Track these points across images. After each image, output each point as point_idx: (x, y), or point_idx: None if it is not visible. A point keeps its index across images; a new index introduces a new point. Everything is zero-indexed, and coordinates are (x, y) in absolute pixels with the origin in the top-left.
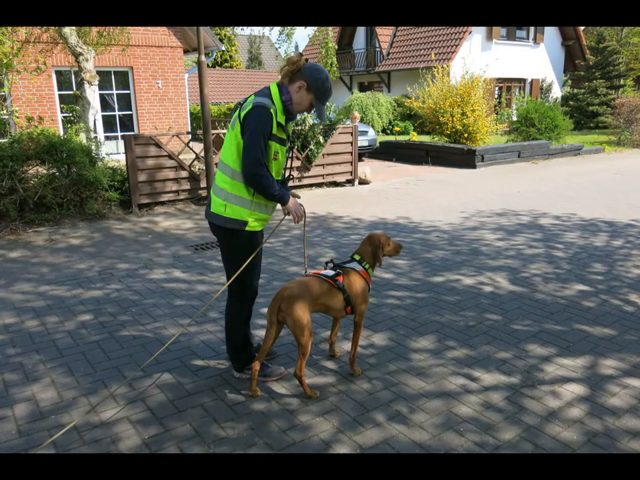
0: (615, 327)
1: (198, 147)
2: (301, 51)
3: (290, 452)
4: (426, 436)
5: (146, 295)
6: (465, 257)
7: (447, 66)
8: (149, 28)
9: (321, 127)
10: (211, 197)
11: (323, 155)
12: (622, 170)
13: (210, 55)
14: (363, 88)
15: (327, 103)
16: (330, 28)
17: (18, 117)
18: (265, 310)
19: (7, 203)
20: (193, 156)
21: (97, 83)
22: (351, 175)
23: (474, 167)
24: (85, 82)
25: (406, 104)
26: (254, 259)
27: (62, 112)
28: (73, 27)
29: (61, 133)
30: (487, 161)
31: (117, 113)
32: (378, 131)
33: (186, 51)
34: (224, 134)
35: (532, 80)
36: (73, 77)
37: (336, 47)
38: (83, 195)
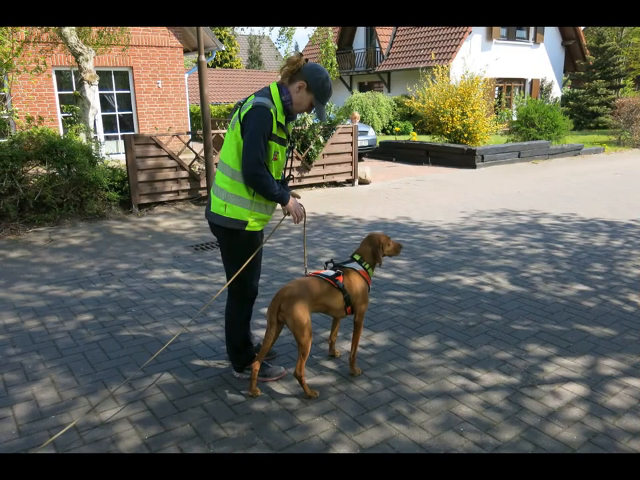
0: (615, 326)
1: (198, 147)
2: (301, 50)
3: (290, 452)
4: (426, 436)
5: (146, 295)
6: (465, 256)
7: (447, 66)
8: (148, 28)
9: (321, 126)
10: (211, 196)
11: (323, 155)
12: (622, 170)
13: (210, 54)
14: (363, 88)
15: (327, 103)
16: (330, 28)
17: (18, 117)
18: (265, 310)
19: (6, 202)
20: (193, 156)
21: (96, 83)
22: (351, 175)
23: (474, 167)
24: (85, 82)
25: (406, 104)
26: (254, 259)
27: (62, 112)
28: (73, 27)
29: (61, 132)
30: (487, 160)
31: (117, 112)
32: (378, 131)
33: (186, 51)
34: (224, 134)
35: (532, 80)
36: (73, 76)
37: (336, 46)
38: (83, 195)
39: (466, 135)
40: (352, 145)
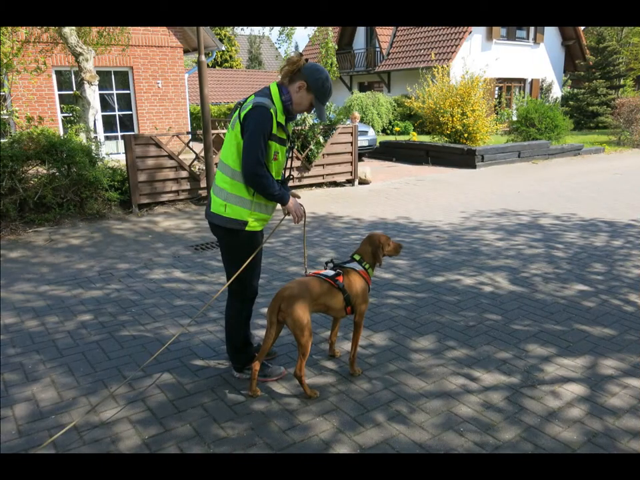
0: (615, 327)
1: (198, 147)
2: (301, 50)
3: (290, 452)
4: (426, 436)
5: (146, 295)
6: (465, 256)
7: (447, 66)
8: (148, 28)
9: (321, 126)
10: (211, 196)
11: (323, 155)
12: (622, 170)
13: (210, 54)
14: (363, 88)
15: (327, 103)
16: (330, 28)
17: (18, 117)
18: (265, 310)
19: (6, 203)
20: (193, 156)
21: (96, 83)
22: (351, 175)
23: (474, 167)
24: (85, 82)
25: (406, 104)
26: (254, 259)
27: (62, 112)
28: (73, 27)
29: (61, 132)
30: (487, 160)
31: (117, 112)
32: (378, 131)
33: (186, 51)
34: (224, 134)
35: (532, 80)
36: (73, 76)
37: (336, 46)
38: (83, 195)
39: (466, 135)
40: (352, 145)
